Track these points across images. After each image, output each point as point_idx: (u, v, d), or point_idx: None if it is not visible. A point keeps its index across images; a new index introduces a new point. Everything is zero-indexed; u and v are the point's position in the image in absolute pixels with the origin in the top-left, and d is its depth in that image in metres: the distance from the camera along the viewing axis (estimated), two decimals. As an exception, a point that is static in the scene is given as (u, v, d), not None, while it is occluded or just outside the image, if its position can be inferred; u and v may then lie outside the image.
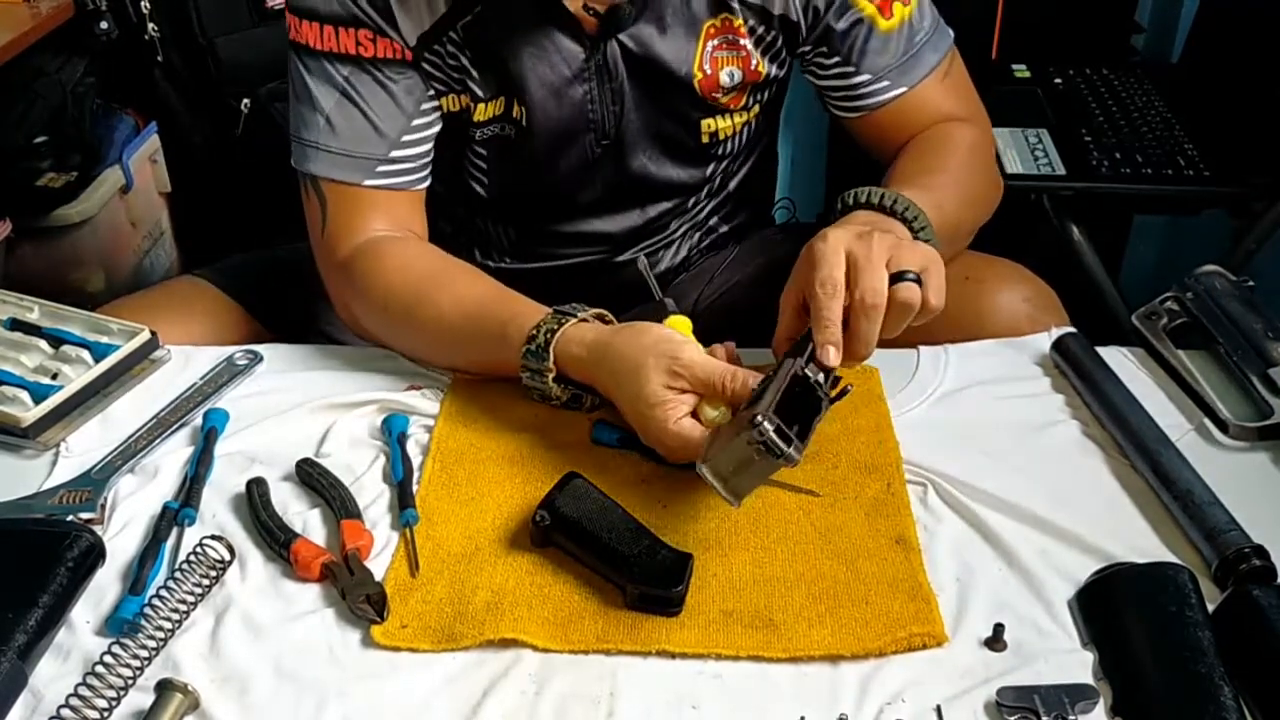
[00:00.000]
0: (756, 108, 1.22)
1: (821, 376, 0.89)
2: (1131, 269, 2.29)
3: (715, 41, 1.13)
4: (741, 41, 1.14)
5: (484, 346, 1.03)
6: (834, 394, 0.91)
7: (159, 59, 1.98)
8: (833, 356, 0.88)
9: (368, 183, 1.11)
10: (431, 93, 1.13)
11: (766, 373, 0.89)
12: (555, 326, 0.97)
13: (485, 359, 1.04)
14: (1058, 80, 2.01)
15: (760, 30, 1.15)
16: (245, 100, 1.96)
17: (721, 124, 1.19)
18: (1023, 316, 1.14)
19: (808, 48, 1.18)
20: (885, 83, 1.17)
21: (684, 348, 0.92)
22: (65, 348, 1.09)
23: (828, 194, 2.47)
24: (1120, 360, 1.07)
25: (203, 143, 2.07)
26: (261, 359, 1.10)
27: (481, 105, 1.13)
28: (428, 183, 1.16)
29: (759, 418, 0.81)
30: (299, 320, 1.26)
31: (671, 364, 0.90)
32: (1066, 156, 1.76)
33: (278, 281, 1.30)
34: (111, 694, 0.75)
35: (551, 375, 0.97)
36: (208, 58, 1.97)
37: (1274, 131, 1.73)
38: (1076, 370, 1.04)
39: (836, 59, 1.17)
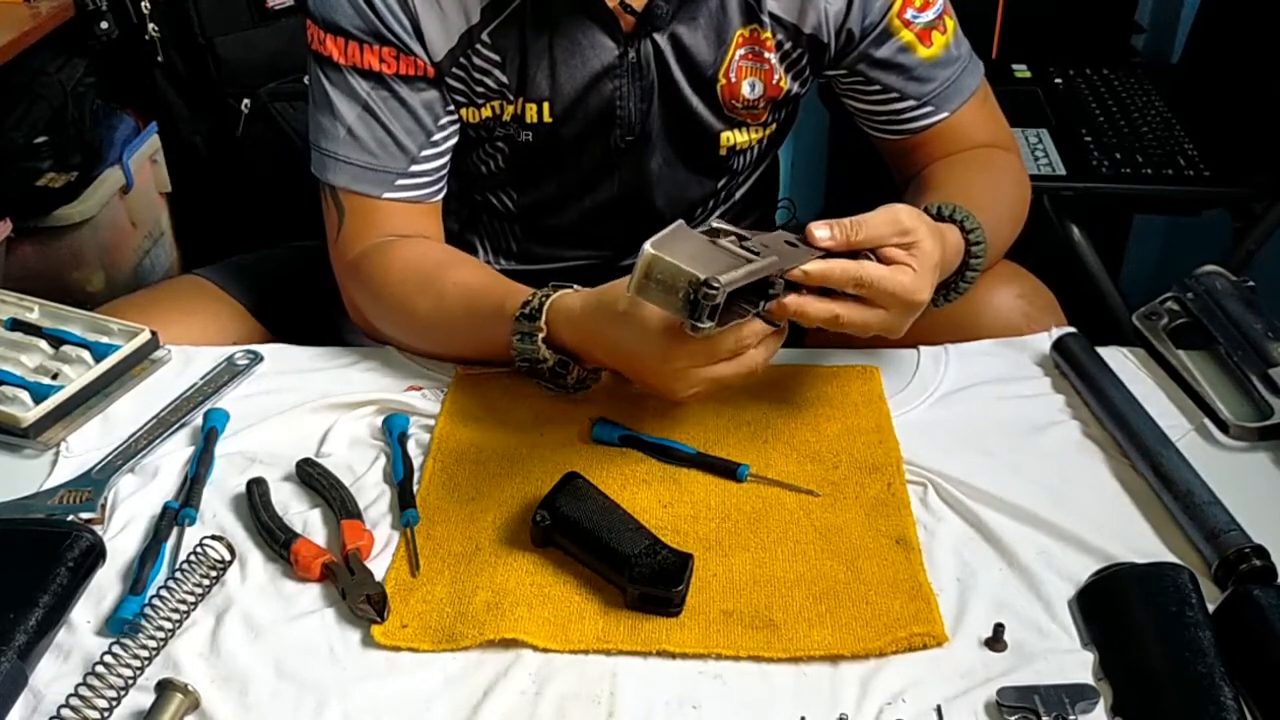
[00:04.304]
0: (774, 125, 1.22)
1: (774, 292, 0.88)
2: (1131, 269, 2.29)
3: (742, 51, 1.14)
4: (766, 55, 1.15)
5: (483, 326, 1.03)
6: (766, 309, 0.89)
7: (159, 59, 1.98)
8: (824, 237, 0.90)
9: (386, 195, 1.12)
10: (451, 107, 1.14)
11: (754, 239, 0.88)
12: (549, 294, 0.99)
13: (485, 339, 1.03)
14: (1058, 80, 2.01)
15: (787, 46, 1.15)
16: (245, 100, 1.96)
17: (739, 138, 1.20)
18: (1018, 314, 1.14)
19: (840, 71, 1.19)
20: (929, 108, 1.19)
21: None
22: (65, 348, 1.08)
23: (827, 194, 2.47)
24: (1120, 360, 1.07)
25: (203, 143, 2.07)
26: (261, 359, 1.10)
27: (510, 107, 1.14)
28: (444, 193, 1.17)
29: (717, 285, 0.80)
30: (300, 320, 1.26)
31: None
32: (1066, 156, 1.76)
33: (279, 281, 1.30)
34: (112, 694, 0.75)
35: (542, 335, 0.97)
36: (208, 58, 1.97)
37: (1274, 131, 1.73)
38: (1077, 370, 1.04)
39: (877, 86, 1.18)
